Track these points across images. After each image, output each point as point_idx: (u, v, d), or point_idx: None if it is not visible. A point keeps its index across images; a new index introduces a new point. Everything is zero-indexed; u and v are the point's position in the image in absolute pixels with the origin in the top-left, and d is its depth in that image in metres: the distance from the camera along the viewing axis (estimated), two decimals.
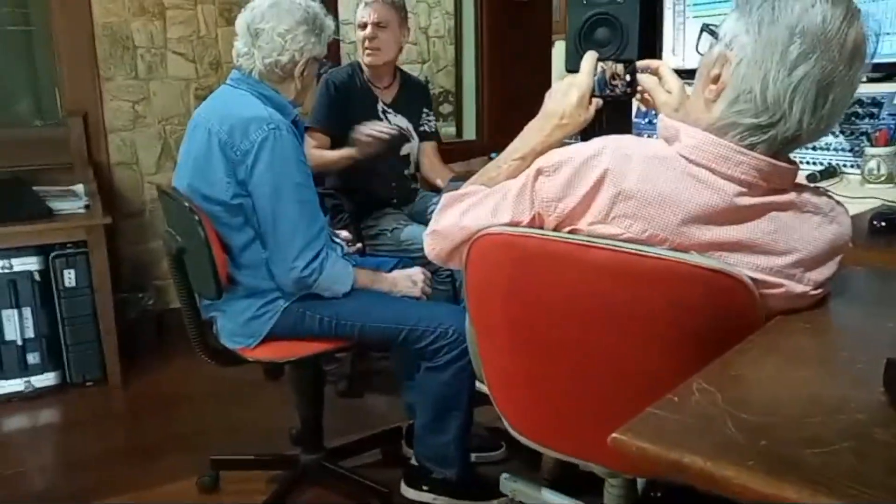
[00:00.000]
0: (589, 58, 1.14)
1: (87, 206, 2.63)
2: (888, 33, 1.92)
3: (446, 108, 5.61)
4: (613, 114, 1.17)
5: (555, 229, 0.99)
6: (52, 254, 2.53)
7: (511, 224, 1.01)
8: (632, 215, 0.92)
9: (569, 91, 1.12)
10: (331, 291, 1.67)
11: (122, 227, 2.97)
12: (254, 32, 1.64)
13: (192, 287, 1.65)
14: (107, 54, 2.92)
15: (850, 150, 1.84)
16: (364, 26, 2.38)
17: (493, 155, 2.99)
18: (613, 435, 0.63)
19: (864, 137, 1.78)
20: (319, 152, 2.33)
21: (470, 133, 4.18)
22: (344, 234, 2.02)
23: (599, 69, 1.15)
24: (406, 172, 2.61)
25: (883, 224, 1.33)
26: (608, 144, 0.96)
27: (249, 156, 1.57)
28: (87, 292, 2.57)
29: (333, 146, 2.37)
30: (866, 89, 1.86)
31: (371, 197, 2.46)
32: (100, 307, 2.56)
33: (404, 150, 2.58)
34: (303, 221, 1.60)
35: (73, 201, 2.66)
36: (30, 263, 2.52)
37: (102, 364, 2.62)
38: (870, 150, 1.71)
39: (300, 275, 1.60)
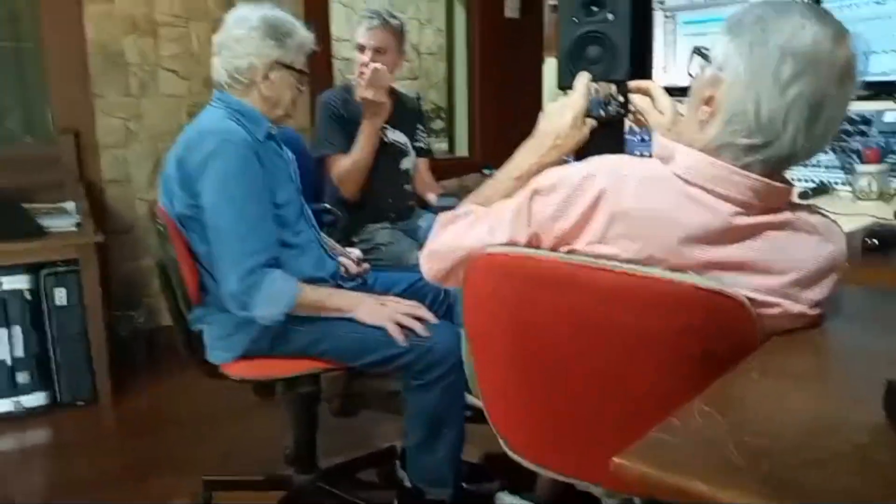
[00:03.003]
0: (582, 78, 1.15)
1: (78, 224, 2.62)
2: (877, 52, 1.95)
3: (438, 125, 5.63)
4: (607, 134, 1.18)
5: (552, 249, 0.99)
6: (44, 272, 2.51)
7: (509, 244, 1.02)
8: (629, 235, 0.93)
9: (563, 112, 1.13)
10: (268, 314, 1.57)
11: (114, 244, 2.95)
12: (219, 46, 1.67)
13: (178, 298, 1.64)
14: (99, 71, 2.92)
15: (842, 168, 1.86)
16: (362, 50, 2.39)
17: (485, 170, 3.02)
18: (615, 459, 0.63)
19: (854, 155, 1.80)
20: (345, 163, 2.36)
21: (462, 149, 4.19)
22: (355, 252, 1.97)
23: (593, 90, 1.16)
24: (405, 186, 2.62)
25: (876, 242, 1.34)
26: (604, 164, 0.97)
27: (200, 168, 1.56)
28: (78, 311, 2.55)
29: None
30: (856, 107, 1.88)
31: (369, 211, 2.46)
32: (91, 326, 2.54)
33: (403, 165, 2.59)
34: (239, 235, 1.55)
35: (64, 219, 2.65)
36: (20, 282, 2.49)
37: (93, 384, 2.59)
38: (860, 168, 1.73)
39: (234, 289, 1.54)
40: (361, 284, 1.86)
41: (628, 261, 0.92)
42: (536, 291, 1.00)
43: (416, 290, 1.88)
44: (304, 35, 1.72)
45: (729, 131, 0.91)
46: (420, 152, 2.66)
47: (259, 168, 1.60)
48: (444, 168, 3.38)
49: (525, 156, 1.12)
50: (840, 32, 0.88)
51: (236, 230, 1.56)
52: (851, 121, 1.86)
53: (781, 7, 0.90)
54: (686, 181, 0.92)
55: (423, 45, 5.87)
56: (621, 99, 1.18)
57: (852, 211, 1.64)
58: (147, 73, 3.01)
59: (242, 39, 1.65)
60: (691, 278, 0.90)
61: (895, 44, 1.91)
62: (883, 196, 1.71)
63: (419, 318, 1.61)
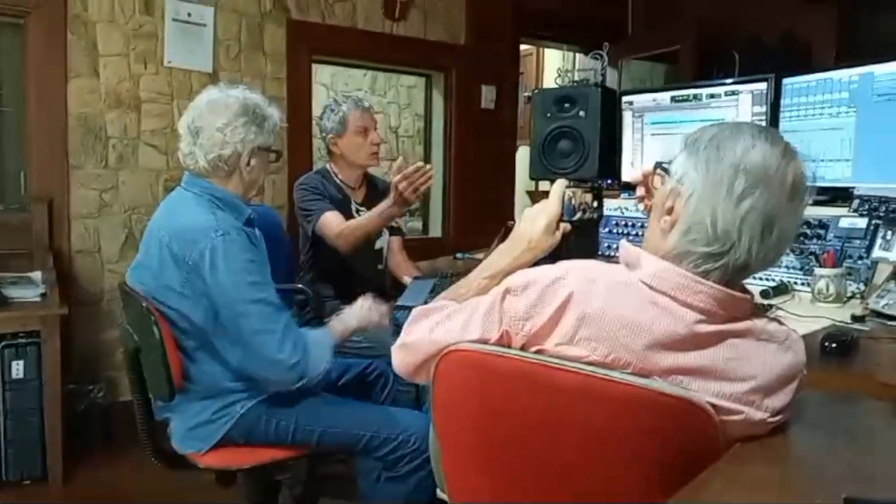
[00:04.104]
0: (558, 186, 1.20)
1: (43, 295, 2.57)
2: (833, 160, 2.06)
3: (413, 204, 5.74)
4: (581, 237, 1.22)
5: (522, 348, 1.00)
6: (2, 343, 2.45)
7: (480, 340, 1.03)
8: (596, 338, 0.95)
9: (538, 217, 1.18)
10: (322, 365, 1.65)
11: (78, 315, 2.90)
12: (194, 131, 1.65)
13: (146, 387, 1.61)
14: (78, 143, 2.94)
15: (801, 269, 1.93)
16: (366, 131, 2.48)
17: (457, 255, 3.07)
18: None
19: (812, 257, 1.87)
20: (348, 224, 2.38)
21: (436, 230, 4.25)
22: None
23: (568, 196, 1.21)
24: (379, 267, 2.64)
25: (834, 346, 1.38)
26: (573, 268, 1.00)
27: (203, 265, 1.54)
28: (36, 385, 2.47)
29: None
30: (814, 212, 1.97)
31: (342, 290, 2.47)
32: (47, 401, 2.46)
33: (377, 245, 2.63)
34: (269, 318, 1.57)
35: (30, 289, 2.60)
36: None
37: (43, 462, 2.49)
38: (818, 271, 1.79)
39: (289, 365, 1.56)
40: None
41: (595, 363, 0.94)
42: (505, 389, 1.01)
43: (363, 376, 1.92)
44: (277, 115, 1.76)
45: (688, 240, 0.96)
46: (392, 231, 2.71)
47: (257, 252, 1.64)
48: (417, 248, 3.43)
49: (500, 256, 1.17)
50: (788, 151, 0.95)
51: (264, 311, 1.57)
52: (809, 224, 1.95)
53: (734, 128, 0.98)
54: (651, 288, 0.96)
55: (402, 127, 6.05)
56: (595, 204, 1.23)
57: (811, 312, 1.70)
58: (127, 147, 3.04)
59: (226, 128, 1.64)
60: (656, 384, 0.92)
61: (847, 153, 2.03)
62: (840, 298, 1.77)
63: None
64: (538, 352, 0.99)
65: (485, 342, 1.02)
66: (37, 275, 2.73)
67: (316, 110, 3.72)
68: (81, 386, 2.83)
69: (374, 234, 2.40)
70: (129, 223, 3.05)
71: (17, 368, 2.46)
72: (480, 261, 2.55)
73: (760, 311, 1.02)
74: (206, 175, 1.67)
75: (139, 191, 3.06)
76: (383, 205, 2.32)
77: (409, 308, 2.69)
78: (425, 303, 2.44)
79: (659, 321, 0.94)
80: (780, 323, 1.01)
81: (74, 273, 2.95)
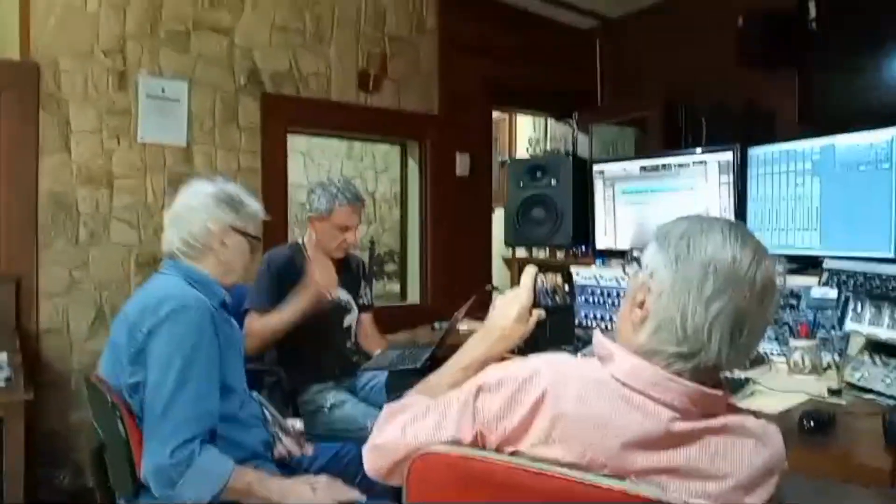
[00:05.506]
0: (528, 273, 1.19)
1: (7, 380, 2.48)
2: (800, 229, 2.10)
3: (391, 267, 5.72)
4: (557, 322, 1.21)
5: (497, 449, 0.98)
6: None
7: (453, 441, 1.00)
8: (571, 438, 0.93)
9: (510, 306, 1.17)
10: (194, 496, 1.45)
11: (45, 396, 2.81)
12: (172, 217, 1.70)
13: (109, 485, 1.54)
14: (48, 221, 2.91)
15: (776, 339, 1.94)
16: (347, 229, 2.48)
17: (435, 324, 3.04)
18: None
19: (786, 327, 1.88)
20: (262, 322, 2.30)
21: (414, 296, 4.23)
22: (297, 425, 1.86)
23: (539, 281, 1.20)
24: (348, 345, 2.61)
25: (812, 424, 1.37)
26: (546, 364, 0.98)
27: (152, 334, 1.50)
28: None
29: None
30: (787, 281, 1.98)
31: (312, 371, 2.42)
32: (8, 492, 2.35)
33: (346, 322, 2.60)
34: (180, 405, 1.47)
35: None
36: None
37: None
38: (794, 342, 1.80)
39: (168, 462, 1.43)
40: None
41: (571, 464, 0.92)
42: (480, 492, 0.98)
43: (339, 458, 1.84)
44: (257, 206, 1.77)
45: (658, 339, 0.95)
46: (363, 308, 2.69)
47: (213, 338, 1.56)
48: (395, 315, 3.41)
49: (473, 347, 1.16)
50: (758, 253, 0.94)
51: (177, 399, 1.48)
52: (784, 296, 1.96)
53: (706, 225, 0.97)
54: (624, 384, 0.94)
55: (378, 191, 6.08)
56: (567, 288, 1.23)
57: (788, 385, 1.69)
58: (98, 223, 3.01)
59: (197, 207, 1.68)
60: (634, 487, 0.89)
61: (815, 222, 2.06)
62: (816, 370, 1.77)
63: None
64: (514, 453, 0.96)
65: (459, 443, 1.00)
66: (3, 356, 2.65)
67: (292, 178, 3.74)
68: (47, 471, 2.72)
69: (288, 327, 2.30)
70: (100, 300, 3.00)
71: None
72: (458, 331, 2.52)
73: (735, 406, 1.01)
74: (181, 257, 1.67)
75: (110, 267, 3.02)
76: (293, 304, 2.28)
77: (374, 370, 2.62)
78: (391, 365, 2.43)
79: (633, 420, 0.92)
80: (757, 417, 1.00)
81: (42, 353, 2.88)
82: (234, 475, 1.49)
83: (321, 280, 2.31)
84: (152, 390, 1.50)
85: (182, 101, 3.19)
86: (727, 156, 2.32)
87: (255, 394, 1.77)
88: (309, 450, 1.80)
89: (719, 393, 0.96)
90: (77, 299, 2.96)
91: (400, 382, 2.42)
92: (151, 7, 3.12)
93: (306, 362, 2.38)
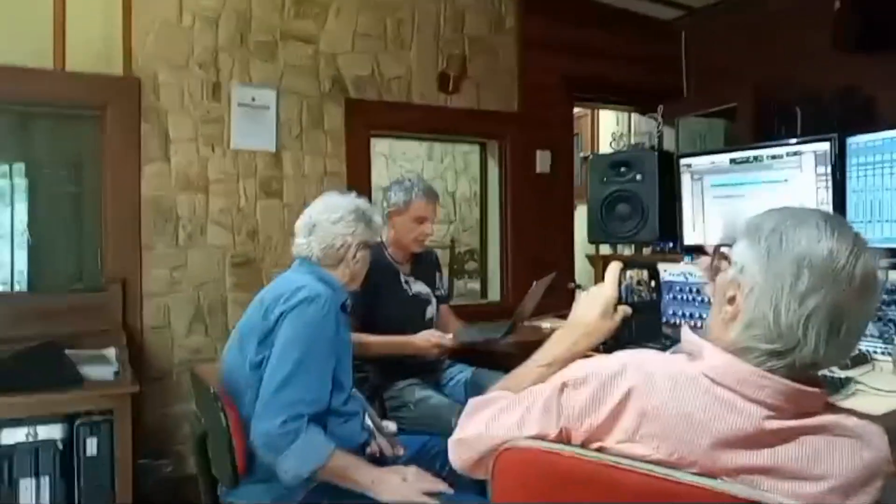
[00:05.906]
0: (613, 269, 1.18)
1: (116, 373, 2.66)
2: None
3: (471, 266, 5.74)
4: (643, 319, 1.19)
5: (582, 445, 0.98)
6: (78, 421, 2.53)
7: (538, 437, 1.01)
8: (659, 436, 0.92)
9: (594, 303, 1.15)
10: (295, 467, 1.56)
11: (148, 390, 2.98)
12: (310, 227, 1.86)
13: (212, 472, 1.63)
14: (150, 225, 3.09)
15: (880, 337, 1.83)
16: (423, 221, 2.57)
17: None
18: None
19: (891, 324, 1.78)
20: (357, 336, 2.37)
21: (494, 294, 4.23)
22: (391, 427, 1.98)
23: (625, 277, 1.18)
24: None
25: None
26: (633, 360, 0.97)
27: (282, 319, 1.65)
28: (108, 462, 2.53)
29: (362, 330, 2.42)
30: (891, 276, 1.87)
31: (397, 367, 2.47)
32: (119, 478, 2.51)
33: (428, 315, 2.64)
34: (297, 381, 1.60)
35: (104, 367, 2.69)
36: (54, 431, 2.50)
37: None
38: None
39: (278, 431, 1.54)
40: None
41: (658, 462, 0.91)
42: (565, 488, 0.98)
43: (426, 450, 1.89)
44: (377, 220, 1.97)
45: (750, 335, 0.92)
46: (440, 300, 2.74)
47: (335, 331, 1.70)
48: (476, 313, 3.42)
49: (557, 344, 1.15)
50: (857, 246, 0.89)
51: (296, 375, 1.60)
52: (889, 291, 1.85)
53: (799, 217, 0.92)
54: (715, 382, 0.92)
55: (458, 191, 6.13)
56: (652, 283, 1.21)
57: (893, 385, 1.60)
58: (196, 226, 3.17)
59: (339, 221, 1.86)
60: (725, 486, 0.87)
61: None
62: None
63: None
64: (599, 449, 0.96)
65: (543, 438, 1.00)
66: (111, 351, 2.84)
67: (375, 180, 3.83)
68: (151, 461, 2.89)
69: (380, 354, 2.43)
70: (198, 299, 3.15)
71: (91, 446, 2.53)
72: (541, 328, 2.52)
73: (833, 405, 0.96)
74: (317, 263, 1.85)
75: (207, 268, 3.18)
76: (398, 339, 2.42)
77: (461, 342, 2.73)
78: (472, 338, 2.50)
79: (725, 418, 0.90)
80: (859, 417, 0.95)
81: (146, 349, 3.06)
82: (335, 456, 1.58)
83: (422, 344, 2.42)
84: (273, 367, 1.62)
85: (271, 109, 3.32)
86: (824, 146, 2.21)
87: (358, 393, 1.86)
88: (400, 451, 1.88)
89: (816, 391, 0.92)
90: (177, 298, 3.13)
91: (484, 378, 2.45)
92: (242, 20, 3.26)
93: (391, 358, 2.43)
